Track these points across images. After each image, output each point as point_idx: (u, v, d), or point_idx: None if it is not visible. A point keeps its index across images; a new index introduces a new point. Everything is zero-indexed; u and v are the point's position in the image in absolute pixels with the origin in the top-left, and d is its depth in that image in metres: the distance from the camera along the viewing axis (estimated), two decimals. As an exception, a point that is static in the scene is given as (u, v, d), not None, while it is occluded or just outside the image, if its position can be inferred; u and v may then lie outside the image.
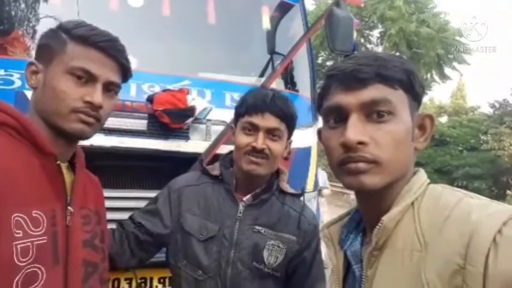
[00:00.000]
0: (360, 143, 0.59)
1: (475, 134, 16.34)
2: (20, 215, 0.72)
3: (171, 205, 1.17)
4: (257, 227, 1.12)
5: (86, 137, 0.86)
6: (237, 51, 2.62)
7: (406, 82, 0.62)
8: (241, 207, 1.14)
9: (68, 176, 0.86)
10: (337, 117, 0.63)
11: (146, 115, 1.87)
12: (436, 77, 13.93)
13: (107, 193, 1.79)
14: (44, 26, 1.67)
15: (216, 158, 1.23)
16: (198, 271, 1.11)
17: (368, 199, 0.66)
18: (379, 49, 13.99)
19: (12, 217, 0.71)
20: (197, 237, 1.12)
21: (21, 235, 0.71)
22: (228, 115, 2.06)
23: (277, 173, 1.22)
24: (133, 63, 2.20)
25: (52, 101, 0.80)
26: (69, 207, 0.83)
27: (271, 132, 1.10)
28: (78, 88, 0.80)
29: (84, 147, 1.70)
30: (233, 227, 1.12)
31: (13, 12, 2.25)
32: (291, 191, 1.22)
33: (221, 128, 1.93)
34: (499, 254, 0.48)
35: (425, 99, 19.41)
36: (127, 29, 2.33)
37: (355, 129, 0.59)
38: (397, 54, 12.76)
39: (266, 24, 2.64)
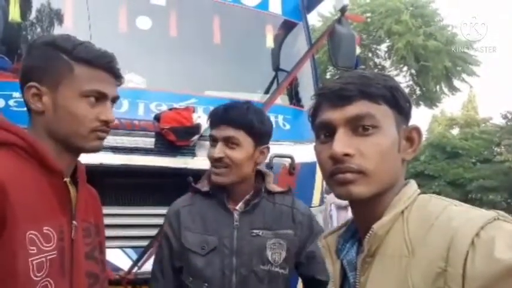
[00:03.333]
0: (346, 154, 0.63)
1: (488, 145, 16.08)
2: (33, 232, 0.76)
3: (173, 227, 1.23)
4: (255, 231, 1.17)
5: (99, 151, 0.92)
6: (242, 69, 2.68)
7: (390, 98, 0.66)
8: (236, 215, 1.19)
9: (71, 191, 0.89)
10: (327, 132, 0.67)
11: (153, 133, 1.92)
12: (445, 89, 13.85)
13: (115, 210, 1.85)
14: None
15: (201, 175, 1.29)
16: (203, 284, 1.15)
17: (360, 208, 0.69)
18: (387, 63, 14.01)
19: (27, 234, 0.74)
20: (199, 253, 1.16)
21: (35, 251, 0.75)
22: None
23: (262, 176, 1.28)
24: (142, 83, 2.28)
25: (70, 125, 0.84)
26: (74, 222, 0.86)
27: (228, 141, 1.16)
28: (92, 109, 0.85)
29: (93, 166, 1.76)
30: (232, 236, 1.16)
31: (29, 37, 2.35)
32: (278, 189, 1.27)
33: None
34: (476, 255, 0.51)
35: (436, 111, 19.25)
36: (136, 50, 2.41)
37: (341, 142, 0.63)
38: (405, 67, 12.52)
39: (270, 42, 2.70)
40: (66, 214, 0.85)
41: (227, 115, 1.17)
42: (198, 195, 1.26)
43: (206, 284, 1.14)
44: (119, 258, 1.81)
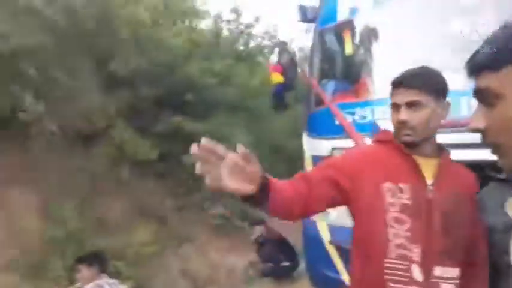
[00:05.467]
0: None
1: None
2: (389, 184, 1.16)
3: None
4: None
5: (411, 143, 1.20)
6: None
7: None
8: None
9: (423, 165, 1.20)
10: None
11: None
12: None
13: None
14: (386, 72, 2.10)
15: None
16: None
17: None
18: None
19: (383, 185, 1.16)
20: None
21: (390, 194, 1.15)
22: None
23: None
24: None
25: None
26: (429, 186, 1.17)
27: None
28: (395, 115, 1.22)
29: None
30: None
31: (358, 64, 2.92)
32: None
33: None
34: None
35: None
36: (456, 52, 2.45)
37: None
38: None
39: None
40: (419, 180, 1.18)
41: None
42: (496, 183, 1.27)
43: None
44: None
